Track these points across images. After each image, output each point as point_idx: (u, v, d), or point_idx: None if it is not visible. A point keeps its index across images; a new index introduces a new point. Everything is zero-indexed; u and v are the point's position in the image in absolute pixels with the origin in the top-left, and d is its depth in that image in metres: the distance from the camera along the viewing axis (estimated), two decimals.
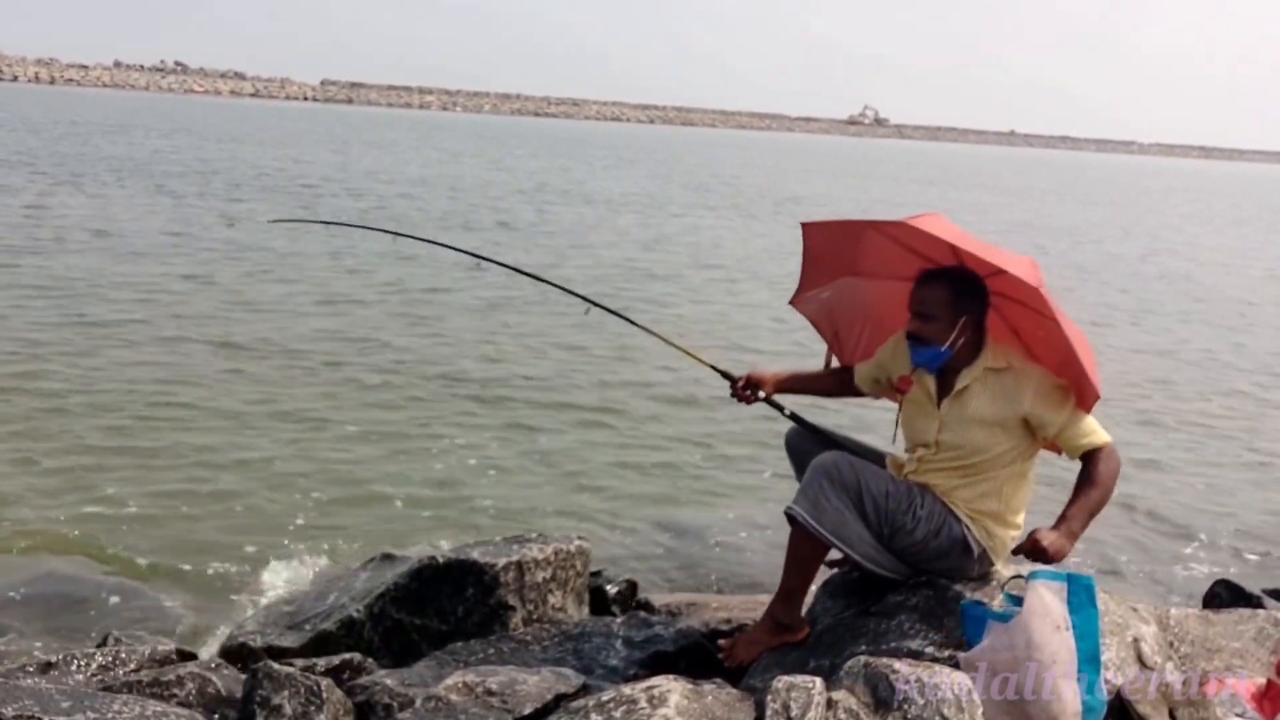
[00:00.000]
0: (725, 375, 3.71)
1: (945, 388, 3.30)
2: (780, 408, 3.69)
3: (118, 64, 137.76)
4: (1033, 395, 3.18)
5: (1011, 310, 3.34)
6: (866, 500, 3.20)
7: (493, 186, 28.35)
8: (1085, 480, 3.13)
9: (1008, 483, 3.28)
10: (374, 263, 13.70)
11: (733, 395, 3.68)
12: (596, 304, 4.08)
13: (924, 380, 3.35)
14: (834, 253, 3.63)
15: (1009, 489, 3.28)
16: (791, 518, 3.24)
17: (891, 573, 3.34)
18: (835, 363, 3.84)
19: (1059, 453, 3.35)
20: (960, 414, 3.25)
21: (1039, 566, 3.00)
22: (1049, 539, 2.97)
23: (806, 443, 3.57)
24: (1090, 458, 3.16)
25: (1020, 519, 3.34)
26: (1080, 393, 3.18)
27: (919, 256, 3.36)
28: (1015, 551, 3.16)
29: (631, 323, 3.99)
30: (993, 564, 3.34)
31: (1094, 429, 3.19)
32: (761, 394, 3.65)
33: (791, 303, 3.84)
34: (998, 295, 3.29)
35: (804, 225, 3.62)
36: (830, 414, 4.89)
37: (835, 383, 3.78)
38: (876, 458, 3.48)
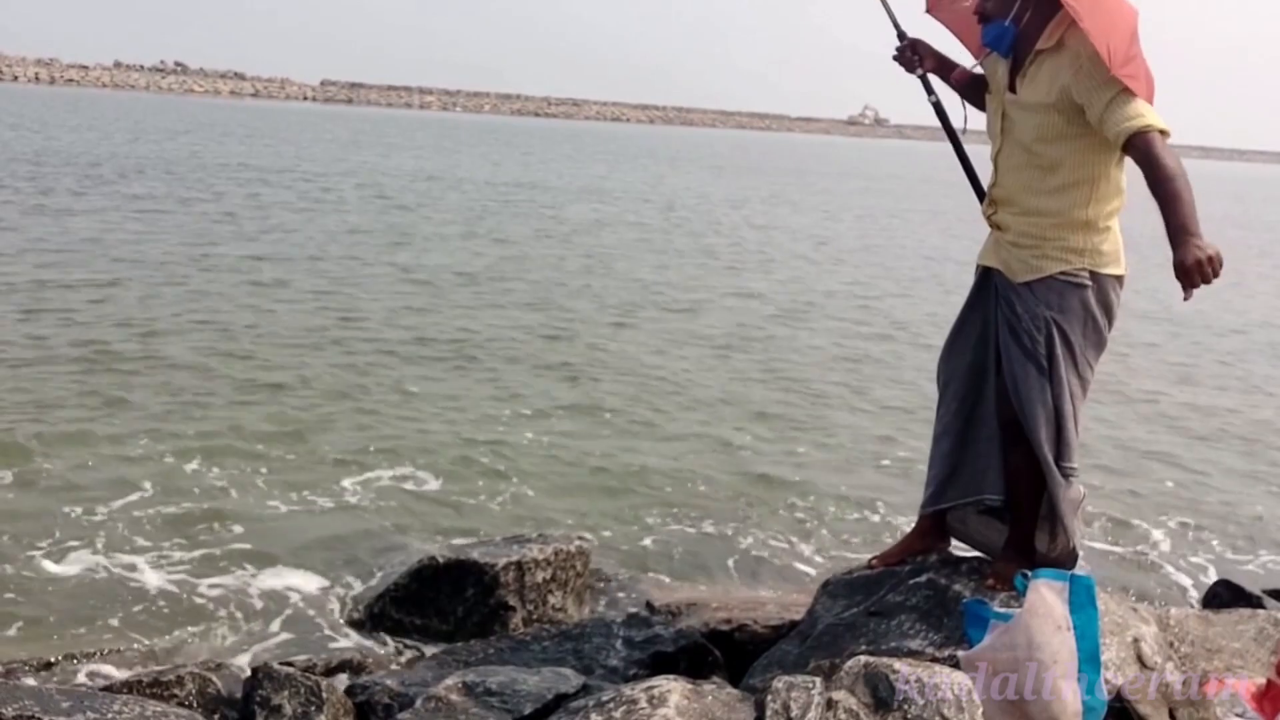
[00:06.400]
0: (898, 30, 3.60)
1: (1013, 76, 3.19)
2: (930, 89, 3.59)
3: (118, 64, 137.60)
4: (1074, 69, 3.00)
5: None
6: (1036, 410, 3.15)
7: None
8: (1157, 178, 2.87)
9: (1088, 183, 3.09)
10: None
11: (896, 59, 3.58)
12: None
13: (997, 67, 3.25)
14: None
15: (1091, 192, 3.09)
16: None
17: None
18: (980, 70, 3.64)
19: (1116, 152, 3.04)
20: (1018, 99, 3.15)
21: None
22: (1193, 253, 2.73)
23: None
24: (1144, 146, 2.90)
25: (1116, 221, 3.13)
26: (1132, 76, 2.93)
27: None
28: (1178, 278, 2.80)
29: None
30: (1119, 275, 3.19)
31: (1144, 110, 2.92)
32: (920, 69, 3.55)
33: (928, 11, 3.74)
34: None
35: None
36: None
37: (971, 86, 3.62)
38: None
